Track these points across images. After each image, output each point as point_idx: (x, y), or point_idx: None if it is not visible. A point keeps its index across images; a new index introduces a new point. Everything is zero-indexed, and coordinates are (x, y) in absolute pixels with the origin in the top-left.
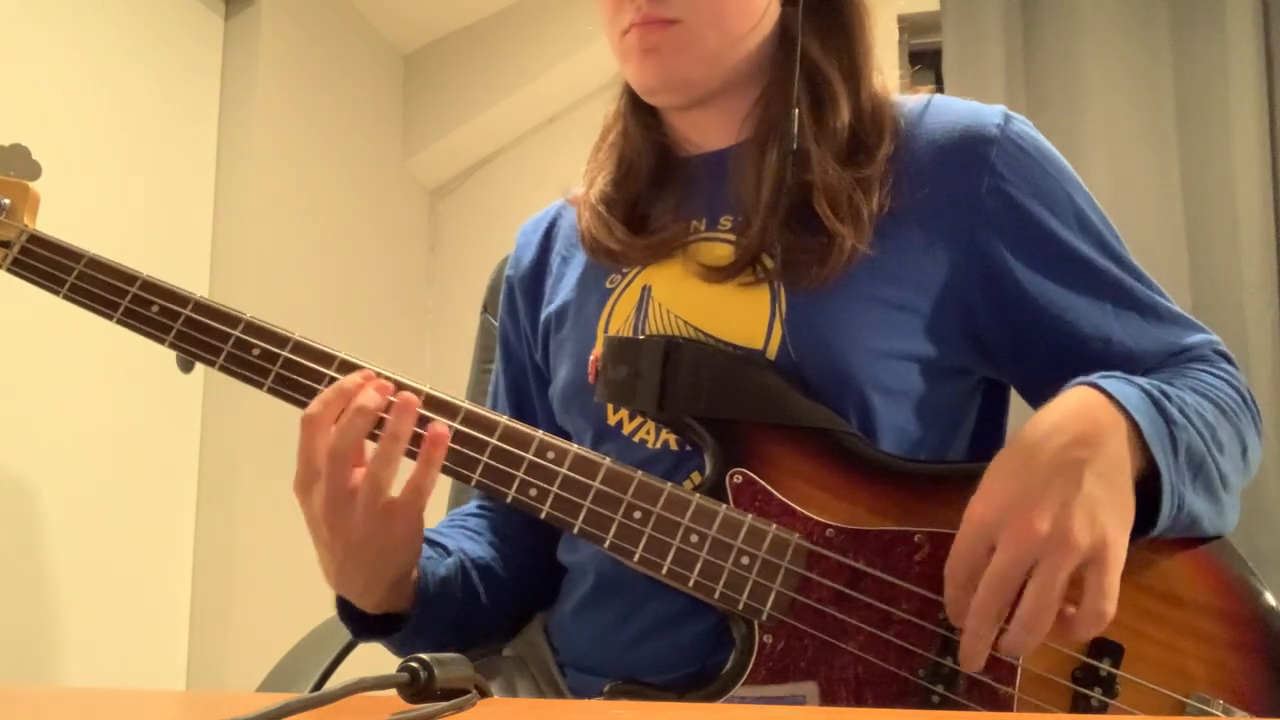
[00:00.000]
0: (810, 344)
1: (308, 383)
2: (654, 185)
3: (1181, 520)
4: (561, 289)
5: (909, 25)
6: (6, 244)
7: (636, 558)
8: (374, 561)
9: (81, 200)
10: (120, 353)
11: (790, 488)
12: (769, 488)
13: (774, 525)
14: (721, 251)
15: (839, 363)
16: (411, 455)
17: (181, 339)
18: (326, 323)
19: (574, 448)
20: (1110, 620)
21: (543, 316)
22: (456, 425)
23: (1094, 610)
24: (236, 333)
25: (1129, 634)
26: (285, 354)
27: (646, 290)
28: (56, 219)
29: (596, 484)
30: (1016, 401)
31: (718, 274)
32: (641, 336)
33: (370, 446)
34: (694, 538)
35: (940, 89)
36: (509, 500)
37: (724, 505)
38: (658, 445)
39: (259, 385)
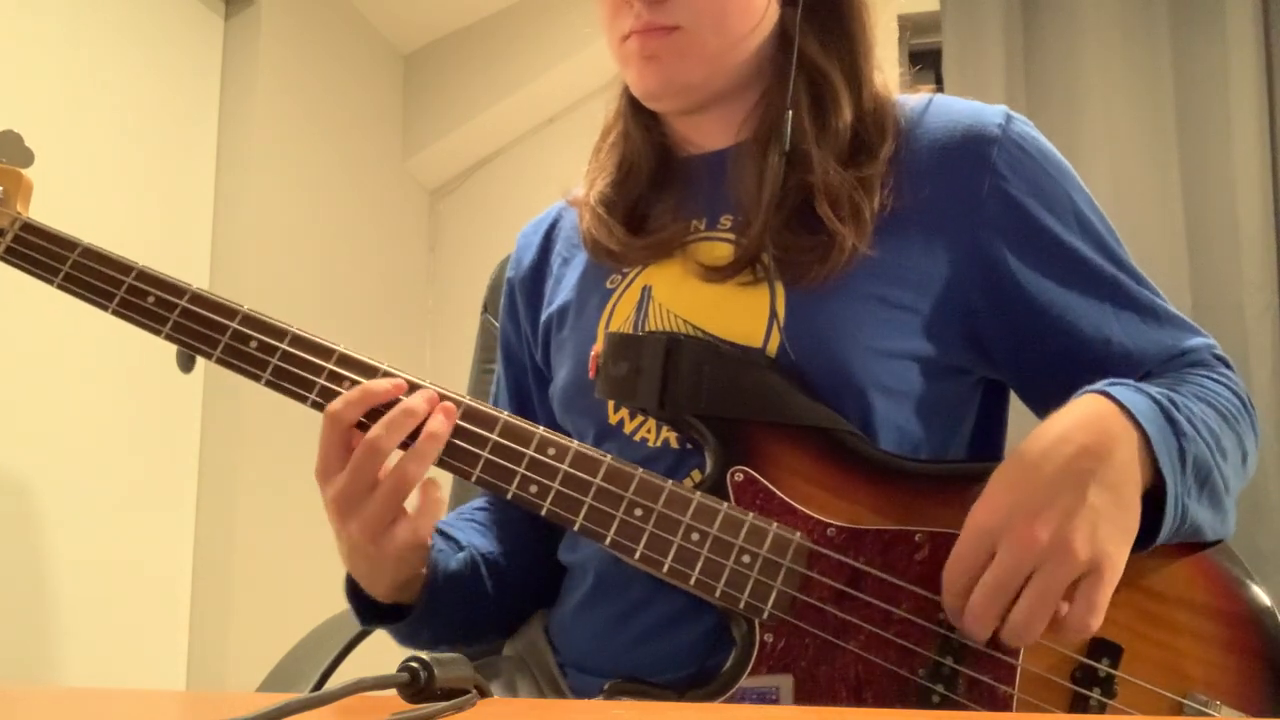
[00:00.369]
0: (810, 343)
1: (306, 375)
2: (654, 186)
3: (1184, 531)
4: (562, 290)
5: (909, 25)
6: (0, 232)
7: (637, 555)
8: (378, 557)
9: (82, 200)
10: (120, 353)
11: (791, 486)
12: (770, 486)
13: (775, 524)
14: (722, 251)
15: (838, 362)
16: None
17: (178, 330)
18: (327, 323)
19: (575, 444)
20: (1093, 633)
21: (543, 317)
22: (457, 421)
23: (1080, 624)
24: (234, 324)
25: (1128, 634)
26: (284, 346)
27: (647, 290)
28: (56, 219)
29: (597, 481)
30: (1017, 401)
31: (717, 274)
32: (642, 333)
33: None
34: (695, 536)
35: (940, 89)
36: (509, 497)
37: (725, 503)
38: (658, 443)
39: (256, 378)
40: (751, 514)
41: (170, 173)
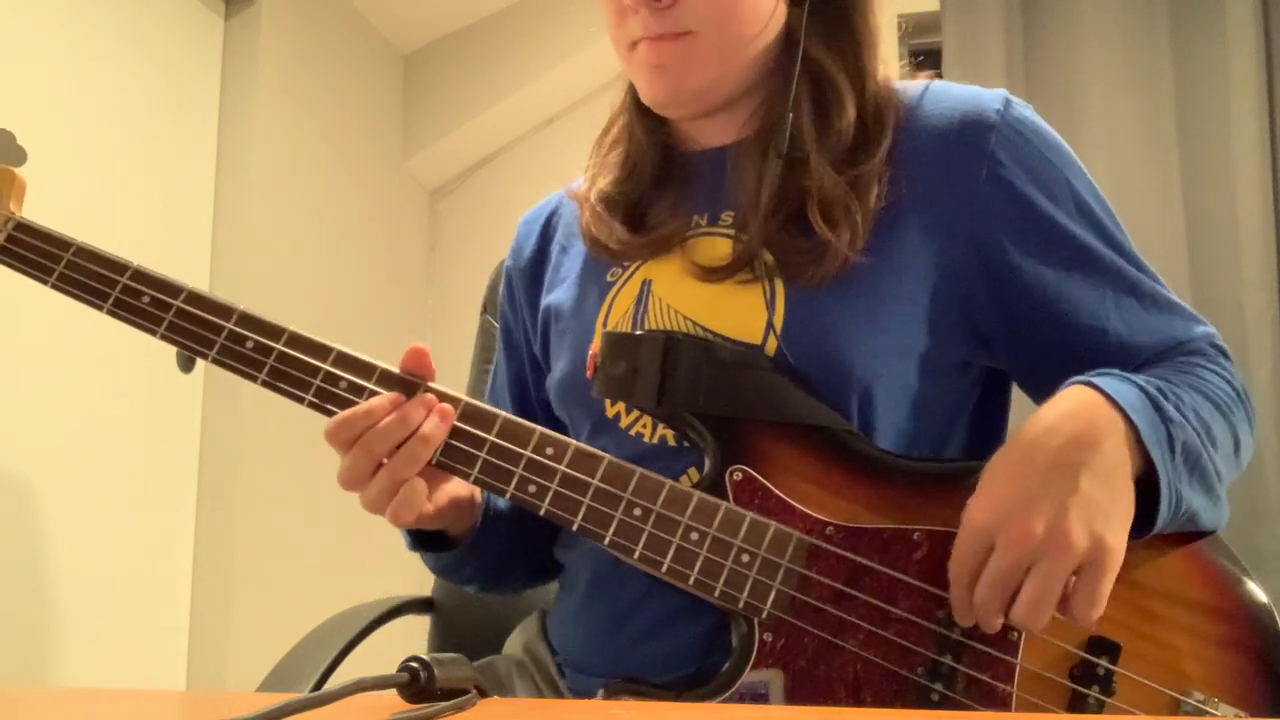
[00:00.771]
0: (808, 341)
1: (303, 376)
2: (656, 182)
3: (1180, 517)
4: (561, 279)
5: (909, 25)
6: None
7: (637, 555)
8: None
9: (82, 200)
10: (120, 353)
11: (789, 485)
12: (769, 485)
13: (774, 523)
14: (722, 247)
15: (837, 359)
16: None
17: (173, 330)
18: (326, 323)
19: (573, 444)
20: (1094, 623)
21: (542, 306)
22: (455, 422)
23: (1083, 614)
24: (230, 325)
25: (1126, 632)
26: (280, 346)
27: (646, 284)
28: (56, 219)
29: (596, 481)
30: (1019, 396)
31: (714, 274)
32: (640, 332)
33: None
34: (694, 535)
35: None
36: (508, 497)
37: (724, 502)
38: (654, 440)
39: (253, 378)
40: (750, 513)
41: (170, 173)
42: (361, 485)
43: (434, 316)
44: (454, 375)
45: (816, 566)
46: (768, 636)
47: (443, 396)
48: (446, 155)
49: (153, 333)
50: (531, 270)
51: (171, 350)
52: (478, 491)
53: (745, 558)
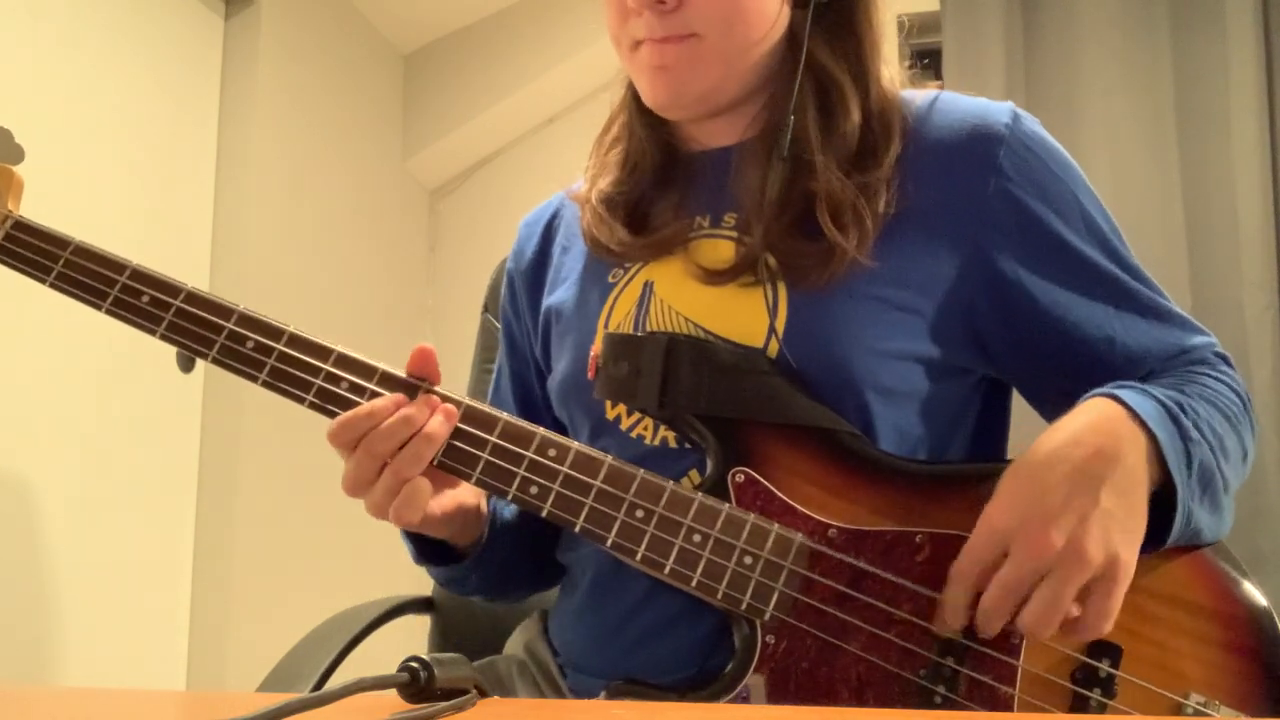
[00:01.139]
0: (811, 344)
1: (303, 376)
2: (658, 183)
3: (1187, 535)
4: (563, 280)
5: (909, 25)
6: None
7: (639, 557)
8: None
9: (81, 200)
10: (120, 353)
11: (792, 487)
12: (771, 487)
13: (777, 525)
14: (724, 249)
15: (839, 363)
16: None
17: (173, 330)
18: (326, 323)
19: (575, 445)
20: (1105, 634)
21: (543, 307)
22: (456, 423)
23: (1094, 626)
24: (230, 325)
25: (1127, 635)
26: (280, 347)
27: (648, 286)
28: (56, 219)
29: (598, 483)
30: (1019, 402)
31: (718, 277)
32: (642, 334)
33: None
34: (697, 537)
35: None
36: (509, 498)
37: (727, 504)
38: (655, 442)
39: (253, 378)
40: (753, 515)
41: (170, 173)
42: (366, 488)
43: (434, 316)
44: (454, 375)
45: (819, 569)
46: (770, 639)
47: (445, 398)
48: (446, 155)
49: (152, 332)
50: (533, 272)
51: (171, 350)
52: (484, 501)
53: (748, 560)
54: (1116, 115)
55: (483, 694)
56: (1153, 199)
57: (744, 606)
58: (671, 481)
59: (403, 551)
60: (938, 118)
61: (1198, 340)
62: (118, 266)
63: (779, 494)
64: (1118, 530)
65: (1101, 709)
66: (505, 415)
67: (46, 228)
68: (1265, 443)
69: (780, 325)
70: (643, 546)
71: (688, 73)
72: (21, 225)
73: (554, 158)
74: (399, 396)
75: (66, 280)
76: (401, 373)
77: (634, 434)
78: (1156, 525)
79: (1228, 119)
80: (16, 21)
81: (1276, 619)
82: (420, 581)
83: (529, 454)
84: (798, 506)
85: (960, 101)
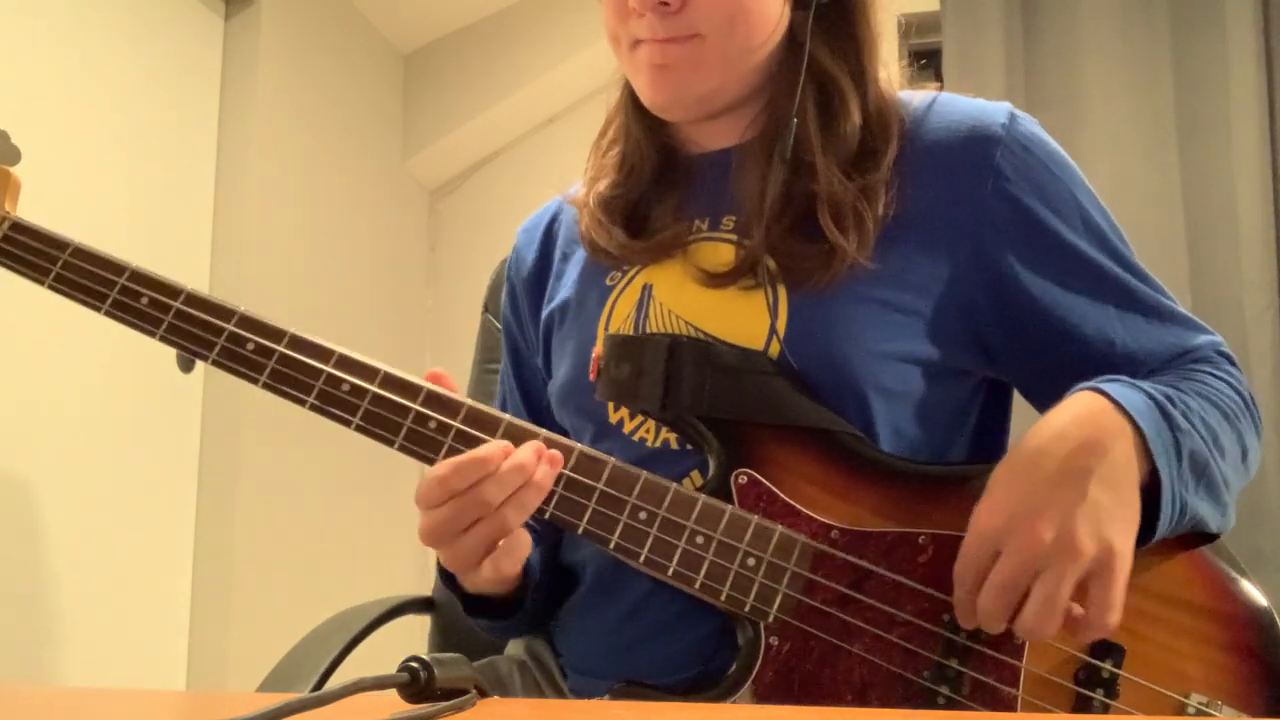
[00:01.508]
0: (811, 346)
1: (304, 379)
2: (656, 185)
3: (1184, 524)
4: (563, 285)
5: (909, 25)
6: None
7: (642, 559)
8: (461, 577)
9: (81, 200)
10: (120, 352)
11: (794, 489)
12: (774, 488)
13: (780, 526)
14: (723, 253)
15: (840, 365)
16: None
17: (172, 332)
18: (326, 322)
19: (578, 447)
20: (1115, 628)
21: (544, 314)
22: (458, 424)
23: (1099, 622)
24: (230, 326)
25: (1129, 635)
26: (281, 349)
27: (647, 289)
28: (56, 219)
29: (601, 485)
30: (1020, 402)
31: (717, 280)
32: (644, 335)
33: None
34: (700, 539)
35: (941, 89)
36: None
37: (729, 506)
38: (657, 444)
39: (254, 381)
40: (756, 516)
41: (170, 173)
42: (455, 538)
43: (434, 316)
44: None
45: (822, 570)
46: (773, 640)
47: (445, 400)
48: (446, 155)
49: (151, 334)
50: (533, 280)
51: (172, 350)
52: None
53: (751, 561)
54: (1116, 115)
55: (483, 694)
56: (1153, 199)
57: (747, 608)
58: (674, 483)
59: (403, 552)
60: (935, 119)
61: (1201, 340)
62: (117, 268)
63: (781, 495)
64: (1108, 520)
65: (1104, 709)
66: (508, 417)
67: (44, 229)
68: (1265, 443)
69: (781, 327)
70: (645, 548)
71: (689, 73)
72: (19, 227)
73: (554, 158)
74: (506, 445)
75: (65, 282)
76: (403, 374)
77: (636, 437)
78: (1153, 518)
79: (1228, 119)
80: (16, 21)
81: (1277, 618)
82: (420, 581)
83: None
84: (800, 508)
85: (958, 103)
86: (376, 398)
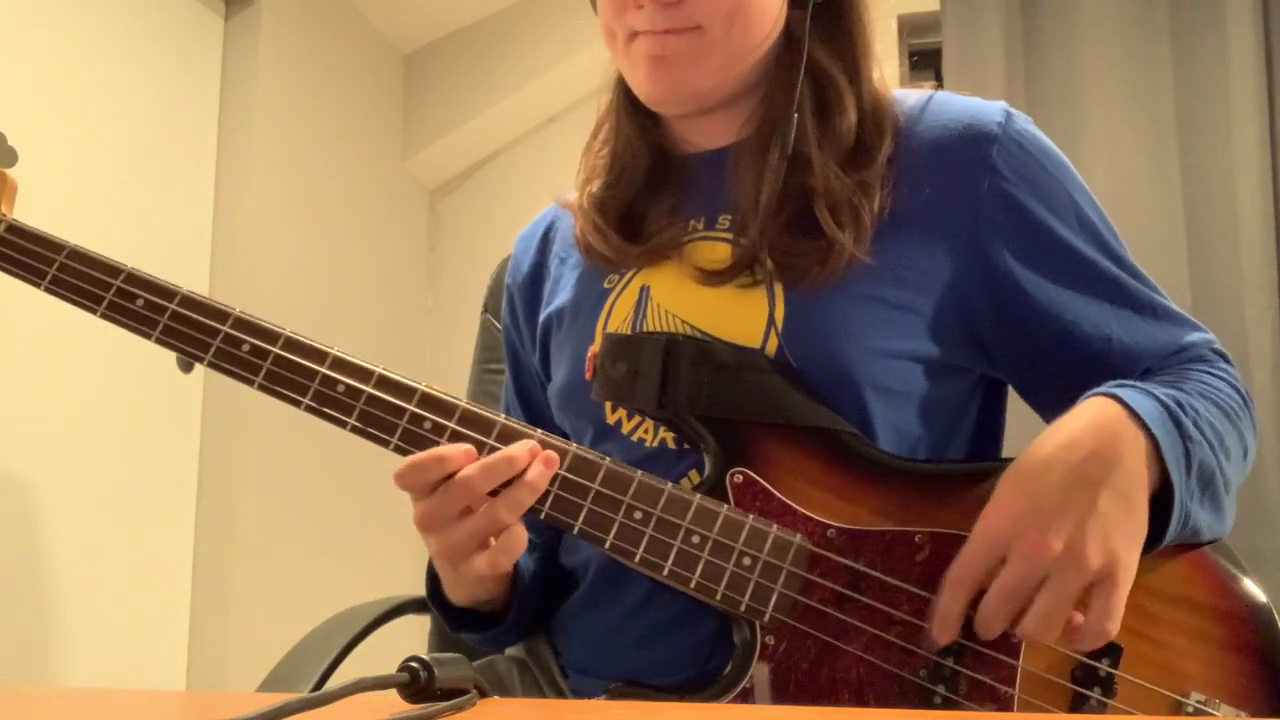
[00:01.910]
0: (809, 344)
1: (300, 380)
2: (650, 185)
3: (1185, 534)
4: (560, 290)
5: (909, 25)
6: None
7: (638, 559)
8: (454, 575)
9: (81, 201)
10: (120, 353)
11: (791, 488)
12: (770, 488)
13: (775, 526)
14: (720, 251)
15: (838, 363)
16: None
17: (168, 333)
18: (326, 323)
19: (573, 447)
20: (1112, 638)
21: (541, 319)
22: (453, 425)
23: (1098, 630)
24: (225, 328)
25: (1127, 634)
26: (276, 350)
27: (645, 290)
28: (55, 220)
29: (596, 485)
30: (1016, 401)
31: (715, 277)
32: (640, 334)
33: None
34: (695, 539)
35: (940, 89)
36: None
37: (725, 506)
38: (655, 444)
39: (249, 382)
40: (751, 516)
41: (170, 172)
42: (446, 525)
43: (434, 316)
44: (454, 375)
45: (818, 570)
46: (770, 640)
47: (440, 401)
48: (446, 155)
49: (147, 336)
50: (530, 286)
51: (171, 351)
52: None
53: (747, 561)
54: (1116, 115)
55: (483, 694)
56: (1153, 200)
57: (743, 608)
58: (670, 483)
59: (403, 552)
60: (931, 117)
61: (1195, 337)
62: (113, 270)
63: (777, 494)
64: (1117, 532)
65: (1101, 708)
66: (503, 417)
67: (41, 232)
68: (1265, 443)
69: (777, 325)
70: (641, 548)
71: (687, 66)
72: (15, 229)
73: (554, 158)
74: (470, 449)
75: (61, 284)
76: (398, 375)
77: (635, 438)
78: (1156, 525)
79: (1228, 120)
80: (15, 22)
81: (1277, 616)
82: (420, 582)
83: None
84: (796, 507)
85: (954, 101)
86: (371, 399)
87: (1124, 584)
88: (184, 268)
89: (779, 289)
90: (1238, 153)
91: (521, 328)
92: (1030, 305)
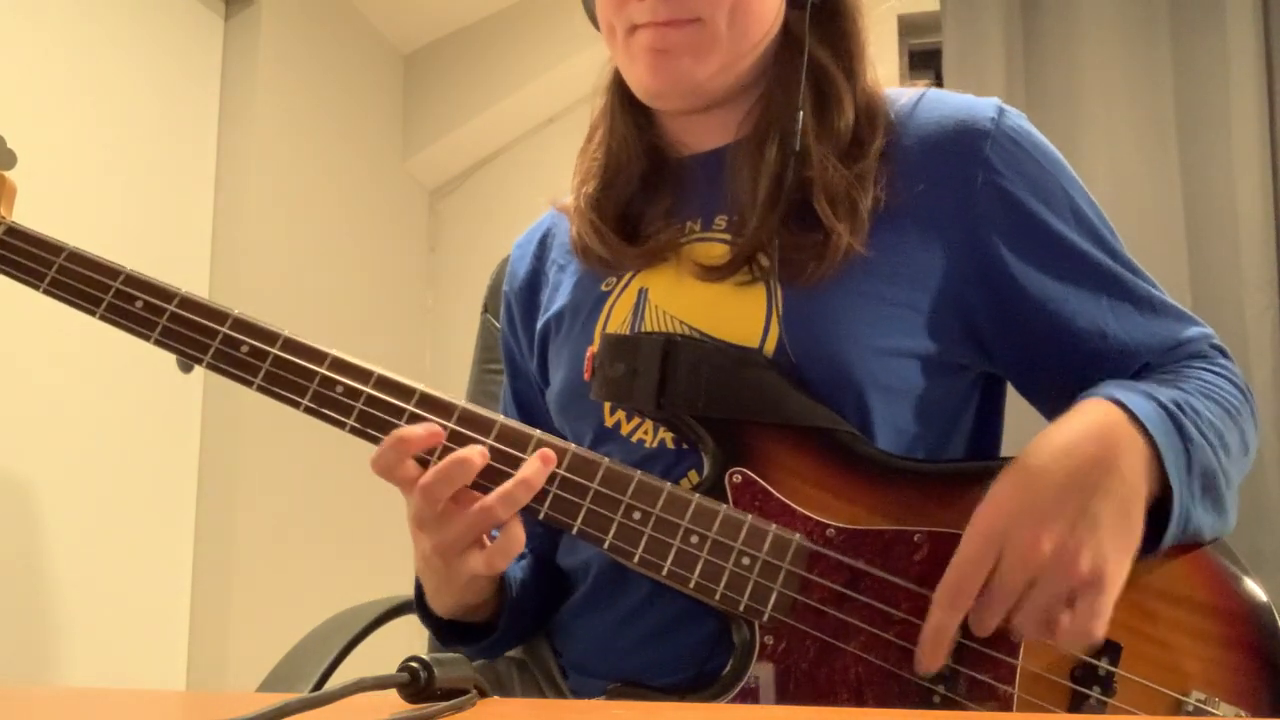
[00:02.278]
0: (808, 342)
1: (299, 381)
2: (646, 188)
3: (1186, 536)
4: (559, 295)
5: (909, 25)
6: None
7: (637, 559)
8: (449, 576)
9: (81, 201)
10: (120, 353)
11: (790, 487)
12: (768, 487)
13: (774, 525)
14: (717, 251)
15: (837, 360)
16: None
17: (167, 335)
18: (326, 323)
19: (572, 447)
20: (1096, 641)
21: (539, 324)
22: (452, 425)
23: (1082, 630)
24: (224, 329)
25: (1127, 632)
26: (275, 351)
27: (643, 293)
28: (56, 221)
29: (595, 484)
30: (1014, 400)
31: (714, 273)
32: (639, 334)
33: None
34: (694, 539)
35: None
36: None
37: (724, 505)
38: (655, 444)
39: (248, 384)
40: (750, 516)
41: (170, 173)
42: (437, 523)
43: (434, 316)
44: (454, 375)
45: (817, 569)
46: (769, 639)
47: (438, 401)
48: (446, 155)
49: (146, 338)
50: (527, 293)
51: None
52: None
53: (745, 561)
54: (1116, 115)
55: (483, 694)
56: (1153, 199)
57: (742, 607)
58: (668, 483)
59: (402, 552)
60: (923, 115)
61: (1193, 332)
62: (111, 272)
63: (776, 494)
64: (1110, 539)
65: (1101, 707)
66: (501, 418)
67: (40, 234)
68: (1265, 443)
69: (776, 324)
70: (640, 548)
71: (688, 59)
72: (14, 231)
73: (554, 158)
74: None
75: (60, 286)
76: (397, 376)
77: (634, 439)
78: (1156, 527)
79: (1228, 119)
80: (15, 22)
81: (1277, 616)
82: None
83: (525, 456)
84: (795, 506)
85: (947, 98)
86: (370, 399)
87: (1111, 589)
88: (184, 268)
89: (777, 286)
90: (1238, 152)
91: (519, 334)
92: (1026, 299)
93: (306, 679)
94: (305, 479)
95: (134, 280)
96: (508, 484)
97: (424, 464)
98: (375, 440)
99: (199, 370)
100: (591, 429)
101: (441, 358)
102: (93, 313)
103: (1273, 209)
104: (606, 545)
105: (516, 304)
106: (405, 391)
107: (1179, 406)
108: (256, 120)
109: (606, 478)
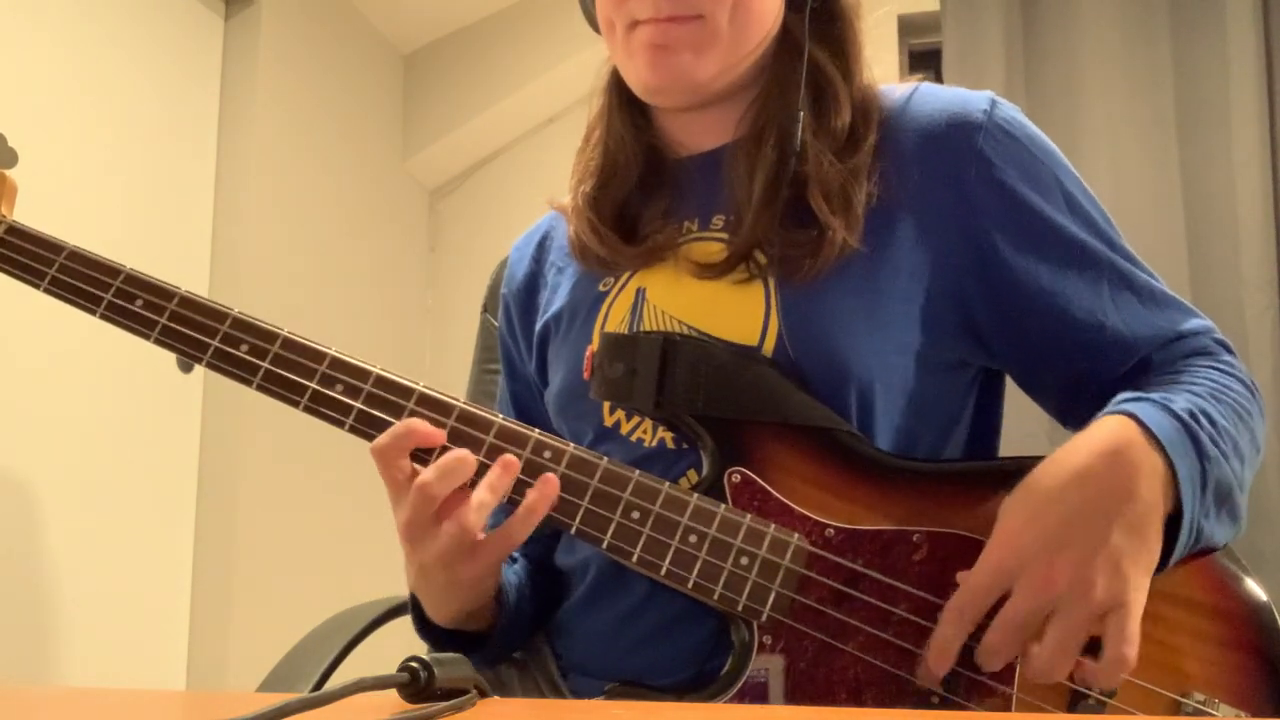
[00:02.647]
0: (806, 339)
1: (298, 380)
2: (643, 188)
3: (1198, 548)
4: (557, 297)
5: (909, 25)
6: None
7: (635, 558)
8: (450, 582)
9: (81, 201)
10: (120, 353)
11: (789, 487)
12: (767, 487)
13: (773, 525)
14: (715, 250)
15: (836, 357)
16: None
17: (167, 334)
18: (326, 323)
19: (571, 446)
20: (1132, 665)
21: (538, 326)
22: (451, 423)
23: (1118, 657)
24: (224, 328)
25: None
26: (275, 350)
27: (641, 293)
28: (56, 221)
29: (594, 483)
30: (1012, 400)
31: (711, 271)
32: (638, 333)
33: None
34: (693, 538)
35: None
36: (505, 499)
37: (722, 505)
38: (654, 444)
39: (248, 383)
40: (749, 515)
41: (170, 172)
42: (425, 529)
43: (434, 316)
44: (454, 375)
45: (816, 569)
46: (767, 639)
47: (438, 401)
48: (446, 155)
49: (146, 337)
50: (525, 295)
51: (170, 351)
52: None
53: (744, 560)
54: (1116, 115)
55: (483, 694)
56: (1153, 199)
57: (741, 607)
58: (668, 482)
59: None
60: (916, 109)
61: (1194, 324)
62: (112, 271)
63: (775, 494)
64: (1128, 565)
65: (1100, 708)
66: (500, 418)
67: (40, 233)
68: (1266, 443)
69: (774, 322)
70: (639, 548)
71: (688, 55)
72: (14, 230)
73: (554, 158)
74: (440, 432)
75: (60, 285)
76: (396, 375)
77: (634, 438)
78: (1172, 540)
79: (1228, 119)
80: (15, 22)
81: (1277, 616)
82: None
83: (525, 454)
84: (794, 506)
85: (939, 92)
86: (370, 398)
87: (1135, 610)
88: (184, 268)
89: (774, 284)
90: (1238, 152)
91: (517, 336)
92: (1022, 290)
93: (306, 679)
94: (305, 479)
95: (134, 279)
96: (475, 493)
97: (420, 465)
98: (374, 440)
99: (199, 370)
100: (591, 428)
101: (441, 358)
102: (93, 312)
103: (1273, 209)
104: (605, 545)
105: (515, 306)
106: (404, 390)
107: (1194, 417)
108: (256, 120)
109: (605, 477)
